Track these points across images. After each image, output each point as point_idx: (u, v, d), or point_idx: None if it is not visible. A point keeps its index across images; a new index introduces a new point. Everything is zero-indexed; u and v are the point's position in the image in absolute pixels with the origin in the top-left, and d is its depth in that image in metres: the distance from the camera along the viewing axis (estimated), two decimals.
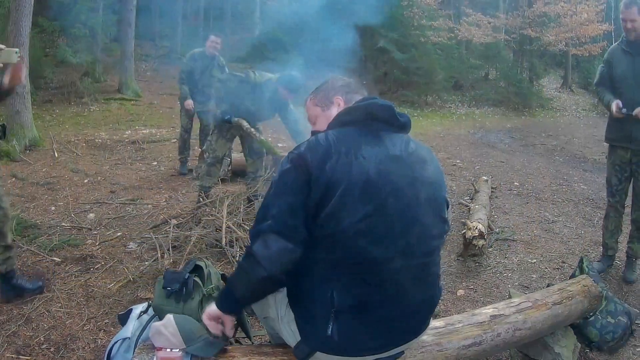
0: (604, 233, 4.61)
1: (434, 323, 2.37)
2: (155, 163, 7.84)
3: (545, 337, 2.94)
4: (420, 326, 2.03)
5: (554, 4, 22.05)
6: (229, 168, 6.77)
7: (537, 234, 5.51)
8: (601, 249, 4.73)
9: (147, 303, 2.33)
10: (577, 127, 17.71)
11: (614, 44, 4.40)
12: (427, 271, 1.96)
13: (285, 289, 1.97)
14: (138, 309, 2.28)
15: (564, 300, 2.94)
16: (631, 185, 4.38)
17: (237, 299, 1.91)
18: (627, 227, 4.58)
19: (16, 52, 2.98)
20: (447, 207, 2.09)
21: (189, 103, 7.03)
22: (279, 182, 1.84)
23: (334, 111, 2.08)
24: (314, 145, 1.84)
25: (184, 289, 2.30)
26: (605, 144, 4.50)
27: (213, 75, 6.85)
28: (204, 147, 6.87)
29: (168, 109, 13.36)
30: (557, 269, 4.60)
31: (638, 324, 3.55)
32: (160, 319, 2.12)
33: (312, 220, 1.77)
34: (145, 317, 2.22)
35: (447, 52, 22.14)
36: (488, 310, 2.66)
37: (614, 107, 4.07)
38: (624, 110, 4.01)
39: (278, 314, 2.01)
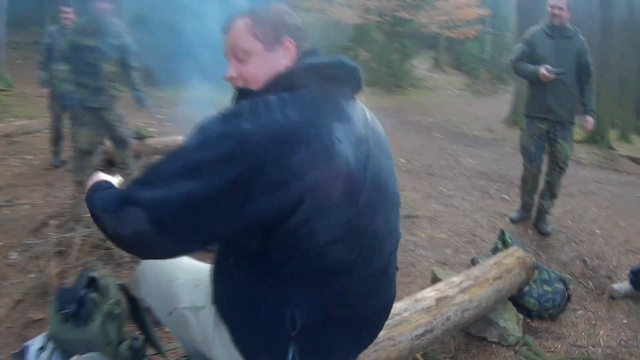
0: (522, 192, 5.09)
1: None
2: (30, 157, 6.96)
3: (487, 313, 2.80)
4: (380, 328, 1.64)
5: None
6: (103, 156, 6.15)
7: (438, 209, 5.44)
8: (514, 210, 5.27)
9: (43, 336, 1.84)
10: (452, 105, 18.50)
11: (535, 27, 4.81)
12: (391, 269, 1.59)
13: (209, 305, 1.54)
14: (34, 345, 1.79)
15: (504, 274, 2.83)
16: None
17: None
18: None
19: None
20: None
21: (45, 92, 6.42)
22: (196, 158, 1.19)
23: (279, 58, 1.43)
24: (271, 123, 1.19)
25: (81, 310, 1.83)
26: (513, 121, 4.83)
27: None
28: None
29: (40, 98, 12.20)
30: (470, 242, 4.53)
31: (571, 288, 3.57)
32: (63, 350, 1.67)
33: (273, 230, 1.23)
34: (45, 355, 1.75)
35: (316, 33, 22.20)
36: (431, 294, 2.42)
37: (543, 71, 4.37)
38: (555, 70, 4.37)
39: (205, 336, 1.57)
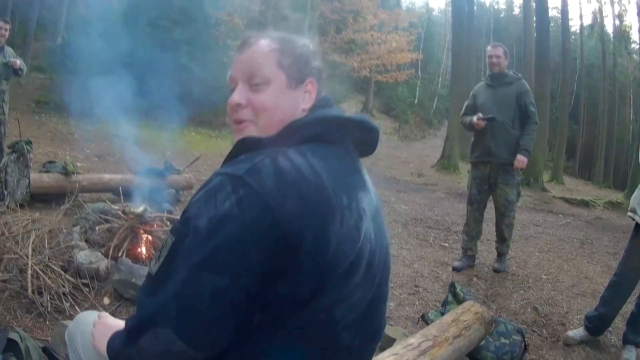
0: (464, 238, 5.13)
1: None
2: None
3: None
4: None
5: (364, 32, 22.82)
6: (27, 190, 5.72)
7: None
8: (455, 259, 5.28)
9: None
10: (380, 149, 18.60)
11: (478, 83, 5.22)
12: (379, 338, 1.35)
13: None
14: None
15: (463, 332, 2.65)
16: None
17: None
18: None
19: None
20: None
21: (15, 61, 6.14)
22: (207, 243, 0.95)
23: (299, 99, 1.22)
24: (302, 185, 0.99)
25: None
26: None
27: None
28: (0, 165, 5.83)
29: None
30: (413, 294, 4.32)
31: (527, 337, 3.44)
32: None
33: (294, 310, 1.02)
34: None
35: None
36: (389, 358, 2.20)
37: (475, 119, 4.76)
38: (484, 116, 4.70)
39: None
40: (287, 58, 1.20)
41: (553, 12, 26.40)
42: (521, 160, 4.65)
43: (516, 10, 37.48)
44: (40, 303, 3.14)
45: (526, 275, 5.03)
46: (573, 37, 31.52)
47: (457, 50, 18.19)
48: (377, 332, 1.27)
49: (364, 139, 1.26)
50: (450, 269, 5.00)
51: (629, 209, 3.43)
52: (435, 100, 34.39)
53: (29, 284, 3.19)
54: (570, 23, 30.46)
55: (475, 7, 24.40)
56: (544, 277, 5.05)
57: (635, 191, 3.44)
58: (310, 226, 0.97)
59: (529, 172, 13.98)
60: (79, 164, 6.99)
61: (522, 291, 4.56)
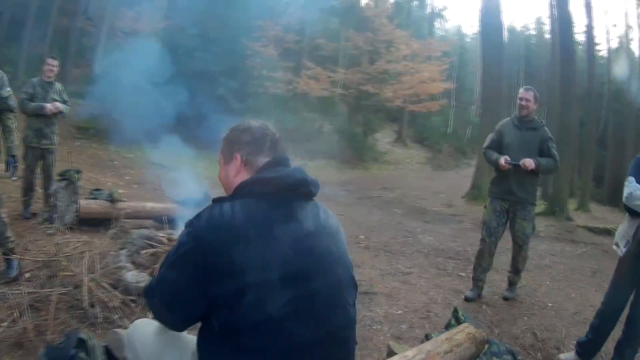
0: (475, 268, 5.33)
1: None
2: None
3: None
4: None
5: (396, 62, 23.30)
6: (76, 215, 6.28)
7: (395, 285, 5.60)
8: (469, 288, 5.42)
9: None
10: (412, 179, 18.75)
11: (506, 119, 5.44)
12: (350, 343, 1.84)
13: None
14: None
15: (454, 349, 3.01)
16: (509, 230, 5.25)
17: None
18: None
19: None
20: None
21: (51, 108, 6.45)
22: (174, 254, 1.70)
23: (232, 170, 1.88)
24: (219, 224, 1.62)
25: None
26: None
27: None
28: (50, 191, 6.37)
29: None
30: (424, 318, 4.69)
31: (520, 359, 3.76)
32: None
33: (230, 304, 1.58)
34: None
35: (283, 104, 22.56)
36: None
37: (502, 161, 4.98)
38: (511, 161, 4.94)
39: None
40: (223, 144, 1.95)
41: (582, 37, 26.18)
42: (529, 162, 4.86)
43: (547, 36, 37.52)
44: (94, 315, 3.63)
45: (532, 303, 5.30)
46: (601, 61, 31.28)
47: (487, 81, 18.10)
48: (333, 320, 1.74)
49: (295, 186, 1.79)
50: (463, 297, 5.29)
51: (614, 242, 3.74)
52: (469, 129, 34.20)
53: (85, 298, 3.69)
54: (598, 47, 30.36)
55: (505, 35, 24.31)
56: (549, 304, 5.30)
57: (619, 226, 3.74)
58: (221, 249, 1.58)
59: (554, 201, 14.07)
60: (120, 191, 7.44)
61: (525, 318, 4.83)
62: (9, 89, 4.65)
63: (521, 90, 5.21)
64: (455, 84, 27.80)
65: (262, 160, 1.85)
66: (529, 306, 5.22)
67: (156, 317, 1.88)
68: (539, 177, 5.20)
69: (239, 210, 1.66)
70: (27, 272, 4.35)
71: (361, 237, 8.22)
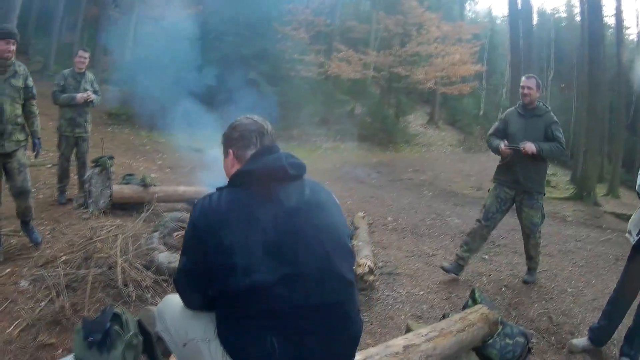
0: (462, 245, 5.39)
1: None
2: (34, 190, 7.30)
3: None
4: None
5: (427, 45, 23.16)
6: (109, 200, 6.54)
7: (420, 267, 5.74)
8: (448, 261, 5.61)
9: (70, 357, 2.22)
10: (444, 162, 18.69)
11: (510, 108, 5.54)
12: (348, 308, 2.03)
13: (217, 338, 2.00)
14: None
15: (467, 328, 3.17)
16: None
17: None
18: None
19: None
20: (350, 238, 2.24)
21: (82, 96, 6.69)
22: (184, 242, 2.08)
23: (229, 162, 2.17)
24: (208, 211, 1.93)
25: (107, 340, 2.22)
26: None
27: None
28: (84, 177, 6.62)
29: (41, 129, 12.46)
30: (445, 299, 4.83)
31: (533, 342, 3.88)
32: None
33: (226, 277, 1.84)
34: None
35: (314, 87, 22.67)
36: (400, 342, 2.79)
37: (502, 146, 5.05)
38: (511, 145, 4.99)
39: None
40: (221, 141, 2.24)
41: (611, 20, 25.60)
42: (530, 146, 4.85)
43: (578, 19, 36.77)
44: (127, 294, 3.88)
45: (552, 288, 5.35)
46: (630, 45, 30.60)
47: (515, 64, 17.92)
48: (323, 285, 1.93)
49: (274, 173, 2.00)
50: (484, 278, 5.43)
51: (627, 230, 3.77)
52: (500, 111, 33.94)
53: (119, 277, 3.93)
54: (628, 31, 29.63)
55: (535, 18, 23.91)
56: (568, 290, 5.36)
57: (633, 214, 3.75)
58: (211, 232, 1.87)
59: (582, 186, 13.99)
60: (152, 175, 7.63)
61: (543, 302, 4.92)
62: (31, 79, 4.92)
63: (523, 78, 5.24)
64: (485, 67, 27.46)
65: (249, 153, 2.11)
66: (548, 290, 5.27)
67: (180, 297, 2.16)
68: (545, 164, 5.17)
69: (224, 198, 1.94)
70: (64, 255, 4.55)
71: (389, 219, 8.37)
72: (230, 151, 2.15)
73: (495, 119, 33.15)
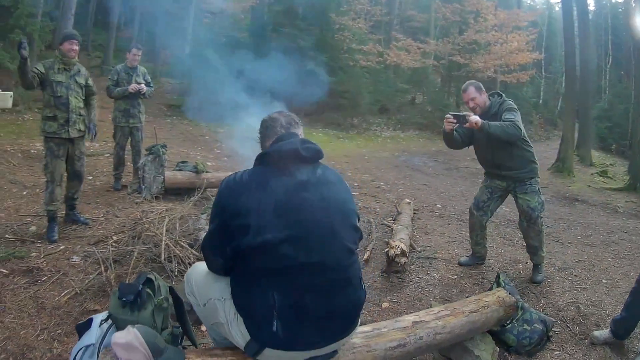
0: (471, 240, 5.45)
1: (363, 328, 2.68)
2: (91, 177, 7.76)
3: (465, 342, 3.26)
4: (349, 326, 2.35)
5: (485, 32, 23.11)
6: (162, 185, 6.93)
7: (458, 252, 5.84)
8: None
9: (107, 313, 2.50)
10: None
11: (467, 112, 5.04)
12: (349, 274, 2.30)
13: (231, 298, 2.31)
14: (98, 318, 2.43)
15: (480, 309, 3.30)
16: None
17: None
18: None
19: (10, 96, 3.07)
20: (358, 218, 2.47)
21: (134, 86, 7.11)
22: (212, 206, 2.40)
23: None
24: (232, 184, 2.28)
25: (138, 300, 2.49)
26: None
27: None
28: (138, 165, 7.07)
29: (99, 121, 12.98)
30: (477, 284, 4.94)
31: (555, 331, 3.96)
32: (117, 327, 2.34)
33: (242, 237, 2.15)
34: (105, 325, 2.38)
35: (374, 76, 22.80)
36: (410, 317, 2.99)
37: (445, 122, 4.74)
38: (454, 113, 4.68)
39: (227, 320, 2.34)
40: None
41: None
42: (474, 117, 4.51)
43: (633, 4, 34.94)
44: (170, 268, 4.22)
45: (587, 278, 5.30)
46: None
47: (570, 52, 17.49)
48: (325, 248, 2.23)
49: (287, 155, 2.31)
50: (520, 265, 5.46)
51: None
52: (560, 100, 33.07)
53: (162, 253, 4.28)
54: None
55: (591, 4, 23.03)
56: (603, 281, 5.29)
57: None
58: (231, 198, 2.23)
59: (636, 177, 13.51)
60: (209, 163, 7.97)
61: (575, 291, 4.91)
62: (91, 79, 5.56)
63: (463, 94, 5.01)
64: (544, 54, 26.84)
65: (271, 141, 2.47)
66: (582, 280, 5.24)
67: (207, 264, 2.46)
68: (517, 148, 4.87)
69: (246, 174, 2.29)
70: (115, 234, 4.99)
71: (438, 205, 8.51)
72: (268, 139, 2.48)
73: (555, 107, 32.44)
